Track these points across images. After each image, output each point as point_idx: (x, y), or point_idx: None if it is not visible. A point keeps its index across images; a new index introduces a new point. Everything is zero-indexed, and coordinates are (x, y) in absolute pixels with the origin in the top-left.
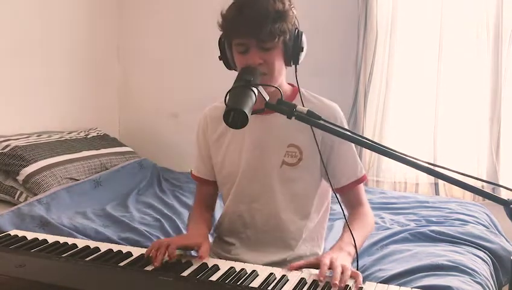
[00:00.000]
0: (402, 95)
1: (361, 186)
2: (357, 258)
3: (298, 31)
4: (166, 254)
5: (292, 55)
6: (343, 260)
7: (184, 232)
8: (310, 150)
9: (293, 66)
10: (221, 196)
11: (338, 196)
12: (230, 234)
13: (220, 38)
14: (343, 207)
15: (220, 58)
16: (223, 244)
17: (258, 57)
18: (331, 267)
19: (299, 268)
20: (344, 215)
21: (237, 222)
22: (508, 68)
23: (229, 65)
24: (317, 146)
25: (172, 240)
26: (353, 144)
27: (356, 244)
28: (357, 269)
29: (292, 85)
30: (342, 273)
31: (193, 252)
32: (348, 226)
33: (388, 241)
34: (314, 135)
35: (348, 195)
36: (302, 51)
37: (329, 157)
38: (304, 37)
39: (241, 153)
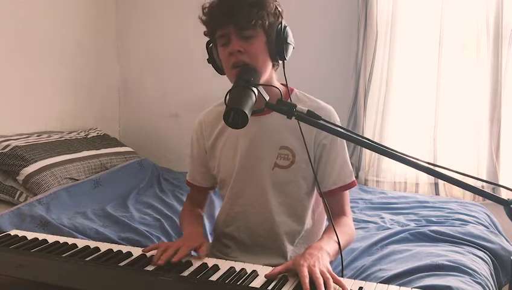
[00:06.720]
0: (402, 95)
1: (347, 194)
2: (341, 266)
3: (282, 24)
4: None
5: (276, 48)
6: (322, 263)
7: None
8: (302, 153)
9: (285, 67)
10: (220, 196)
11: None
12: (227, 236)
13: (207, 43)
14: (328, 213)
15: (209, 61)
16: (221, 247)
17: (238, 45)
18: (311, 277)
19: (278, 274)
20: (330, 216)
21: (233, 224)
22: (508, 68)
23: (218, 67)
24: (307, 149)
25: (182, 245)
26: (346, 150)
27: (332, 250)
28: (342, 275)
29: (285, 85)
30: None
31: (192, 252)
32: (332, 224)
33: (388, 241)
34: (303, 138)
35: (331, 201)
36: (287, 43)
37: (319, 161)
38: (288, 31)
39: (235, 155)
